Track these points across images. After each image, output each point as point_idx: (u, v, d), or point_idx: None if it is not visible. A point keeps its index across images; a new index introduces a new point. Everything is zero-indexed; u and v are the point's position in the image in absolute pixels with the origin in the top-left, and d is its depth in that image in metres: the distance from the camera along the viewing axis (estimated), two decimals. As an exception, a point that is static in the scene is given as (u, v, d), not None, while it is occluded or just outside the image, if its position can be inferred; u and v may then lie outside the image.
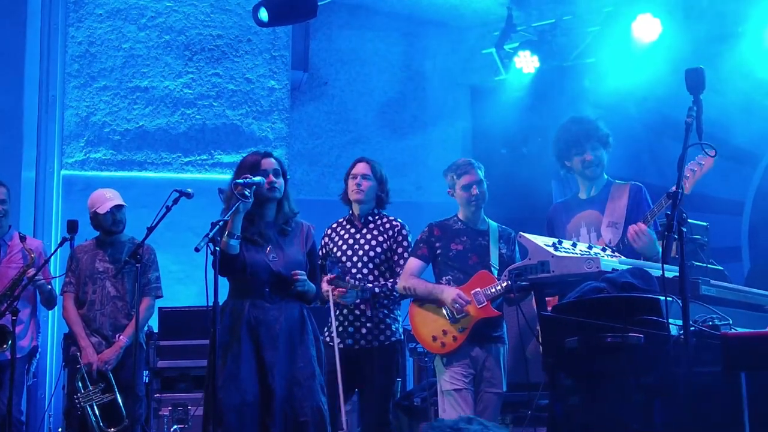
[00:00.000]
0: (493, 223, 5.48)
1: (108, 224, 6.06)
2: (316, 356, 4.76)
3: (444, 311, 5.25)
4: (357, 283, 5.44)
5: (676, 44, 7.88)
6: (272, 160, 4.82)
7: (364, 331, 5.46)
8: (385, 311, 5.50)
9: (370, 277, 5.51)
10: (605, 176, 5.06)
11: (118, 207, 6.08)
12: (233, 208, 4.50)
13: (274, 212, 4.83)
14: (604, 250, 4.21)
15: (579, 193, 5.12)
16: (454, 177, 5.39)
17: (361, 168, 5.62)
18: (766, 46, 7.58)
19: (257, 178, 4.61)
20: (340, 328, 5.48)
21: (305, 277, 4.74)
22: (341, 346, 5.39)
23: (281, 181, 4.80)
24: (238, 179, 4.60)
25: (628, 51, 8.25)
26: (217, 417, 4.38)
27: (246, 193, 4.51)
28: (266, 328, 4.65)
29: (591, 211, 5.01)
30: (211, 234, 4.30)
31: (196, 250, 4.23)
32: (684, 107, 3.62)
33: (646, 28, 8.03)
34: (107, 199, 6.07)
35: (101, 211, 6.02)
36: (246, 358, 4.60)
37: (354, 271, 5.53)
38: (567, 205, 5.19)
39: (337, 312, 5.50)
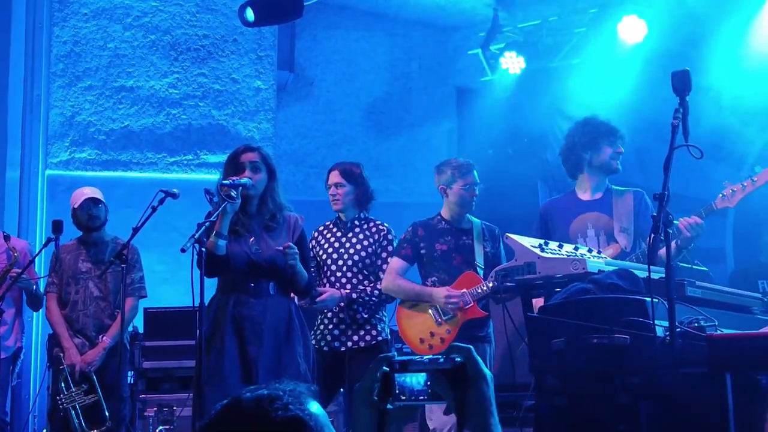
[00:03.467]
0: (476, 221, 5.49)
1: (84, 219, 6.00)
2: (303, 353, 4.72)
3: (430, 313, 5.26)
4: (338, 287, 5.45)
5: (661, 46, 7.91)
6: (252, 153, 4.74)
7: (350, 332, 5.45)
8: (371, 312, 5.50)
9: (354, 281, 5.51)
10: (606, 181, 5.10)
11: (94, 201, 6.01)
12: (220, 209, 4.48)
13: (255, 206, 4.78)
14: (590, 251, 4.22)
15: (578, 193, 5.11)
16: (456, 175, 5.38)
17: (333, 177, 5.58)
18: (751, 46, 7.61)
19: (244, 180, 4.59)
20: (326, 331, 5.48)
21: (296, 250, 4.63)
22: (326, 349, 5.40)
23: (259, 176, 4.72)
24: (225, 180, 4.58)
25: (613, 52, 8.27)
26: (199, 412, 4.36)
27: (232, 194, 4.50)
28: (251, 324, 4.62)
29: (597, 213, 5.00)
30: (197, 235, 4.29)
31: (182, 250, 4.20)
32: (670, 109, 3.62)
33: (632, 30, 8.04)
34: (84, 194, 6.03)
35: (76, 205, 5.98)
36: (229, 354, 4.57)
37: (339, 274, 5.52)
38: (566, 204, 5.16)
39: (323, 315, 5.51)
